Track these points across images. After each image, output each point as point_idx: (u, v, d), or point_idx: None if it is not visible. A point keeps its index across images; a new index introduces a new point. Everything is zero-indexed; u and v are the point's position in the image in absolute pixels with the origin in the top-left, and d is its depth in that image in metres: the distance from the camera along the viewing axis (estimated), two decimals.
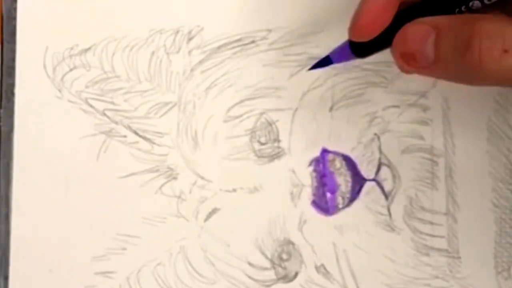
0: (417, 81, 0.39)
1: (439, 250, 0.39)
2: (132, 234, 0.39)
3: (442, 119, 0.40)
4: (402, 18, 0.32)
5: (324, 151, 0.39)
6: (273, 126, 0.39)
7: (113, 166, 0.39)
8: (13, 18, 0.39)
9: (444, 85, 0.38)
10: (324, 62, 0.36)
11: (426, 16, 0.31)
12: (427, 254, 0.40)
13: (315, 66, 0.36)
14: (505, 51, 0.28)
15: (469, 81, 0.31)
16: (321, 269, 0.39)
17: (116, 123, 0.39)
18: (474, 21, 0.29)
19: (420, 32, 0.31)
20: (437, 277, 0.39)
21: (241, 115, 0.39)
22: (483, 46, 0.28)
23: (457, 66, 0.29)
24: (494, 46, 0.28)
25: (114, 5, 0.39)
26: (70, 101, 0.39)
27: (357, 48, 0.34)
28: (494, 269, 0.40)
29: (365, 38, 0.32)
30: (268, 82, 0.39)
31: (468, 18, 0.29)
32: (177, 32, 0.39)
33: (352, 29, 0.32)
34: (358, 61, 0.39)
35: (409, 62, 0.31)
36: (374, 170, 0.40)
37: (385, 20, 0.31)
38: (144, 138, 0.39)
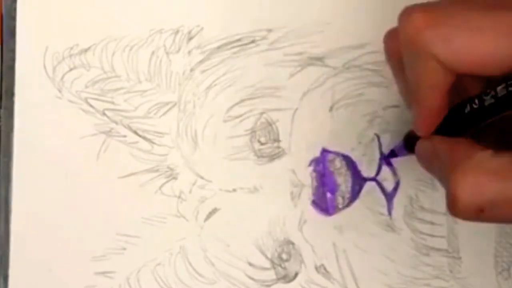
0: None
1: (439, 250, 0.39)
2: (132, 234, 0.39)
3: None
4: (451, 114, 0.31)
5: (324, 151, 0.39)
6: (273, 126, 0.39)
7: (113, 166, 0.39)
8: (13, 18, 0.39)
9: None
10: (391, 155, 0.39)
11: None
12: (427, 254, 0.39)
13: (388, 157, 0.40)
14: (481, 210, 0.28)
15: None
16: (321, 269, 0.39)
17: (116, 123, 0.39)
18: (457, 167, 0.28)
19: (428, 150, 0.31)
20: (437, 277, 0.39)
21: (241, 115, 0.39)
22: (460, 204, 0.28)
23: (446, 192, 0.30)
24: (471, 205, 0.28)
25: (114, 5, 0.39)
26: (70, 101, 0.39)
27: (409, 146, 0.36)
28: (494, 269, 0.40)
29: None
30: (268, 82, 0.39)
31: (454, 160, 0.29)
32: (177, 32, 0.39)
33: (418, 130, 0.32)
34: (358, 61, 0.39)
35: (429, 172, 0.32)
36: (374, 170, 0.40)
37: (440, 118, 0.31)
38: (144, 138, 0.39)
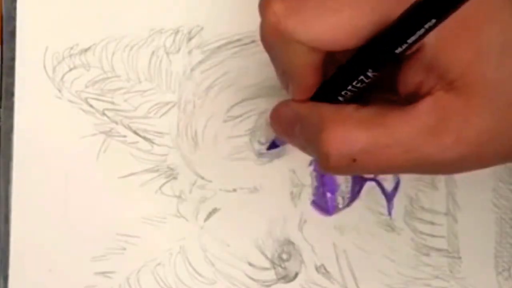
0: None
1: (439, 250, 0.39)
2: (132, 234, 0.39)
3: None
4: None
5: None
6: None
7: (113, 166, 0.39)
8: (13, 18, 0.39)
9: None
10: (273, 145, 0.39)
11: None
12: (427, 254, 0.39)
13: (269, 149, 0.39)
14: (353, 160, 0.28)
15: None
16: (321, 269, 0.39)
17: (116, 123, 0.39)
18: (325, 126, 0.29)
19: (289, 116, 0.32)
20: (437, 277, 0.39)
21: (241, 115, 0.39)
22: (332, 158, 0.29)
23: (315, 157, 0.31)
24: (343, 157, 0.28)
25: (114, 5, 0.39)
26: (70, 101, 0.39)
27: None
28: (495, 269, 0.40)
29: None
30: (268, 82, 0.39)
31: (321, 120, 0.30)
32: (177, 32, 0.39)
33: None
34: None
35: (284, 139, 0.34)
36: None
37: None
38: (144, 138, 0.39)
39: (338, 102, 0.31)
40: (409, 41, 0.27)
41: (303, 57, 0.29)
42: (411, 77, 0.29)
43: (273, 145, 0.39)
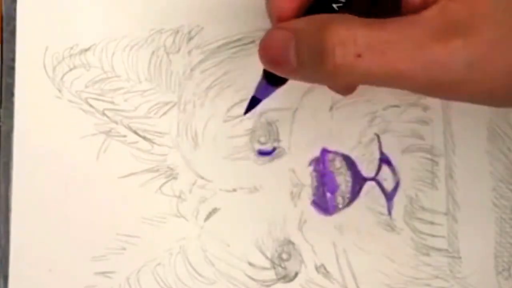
0: None
1: (439, 250, 0.39)
2: (132, 234, 0.39)
3: (442, 118, 0.40)
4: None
5: (324, 151, 0.39)
6: (273, 126, 0.39)
7: (113, 166, 0.39)
8: (13, 18, 0.39)
9: None
10: (253, 102, 0.36)
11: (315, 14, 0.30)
12: (427, 254, 0.39)
13: (248, 110, 0.36)
14: (358, 55, 0.28)
15: (330, 85, 0.32)
16: (321, 269, 0.39)
17: (116, 123, 0.39)
18: (327, 27, 0.28)
19: (281, 38, 0.30)
20: (437, 277, 0.39)
21: (241, 115, 0.39)
22: (337, 53, 0.28)
23: (316, 72, 0.29)
24: (348, 52, 0.28)
25: (114, 5, 0.39)
26: (70, 101, 0.39)
27: (271, 79, 0.34)
28: (495, 269, 0.40)
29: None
30: None
31: (322, 23, 0.29)
32: (177, 32, 0.39)
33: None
34: None
35: (276, 68, 0.31)
36: (374, 170, 0.40)
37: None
38: (144, 138, 0.39)
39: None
40: None
41: None
42: None
43: (253, 102, 0.36)
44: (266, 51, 0.31)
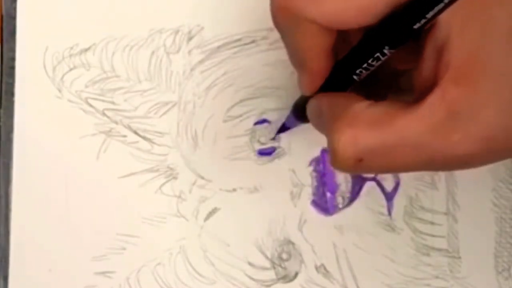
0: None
1: (439, 250, 0.39)
2: (132, 234, 0.39)
3: None
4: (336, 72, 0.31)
5: (324, 151, 0.39)
6: (273, 126, 0.39)
7: (113, 166, 0.39)
8: (13, 18, 0.39)
9: None
10: (282, 129, 0.38)
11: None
12: (427, 254, 0.39)
13: (277, 133, 0.39)
14: (360, 160, 0.28)
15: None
16: (321, 269, 0.39)
17: (116, 123, 0.39)
18: (335, 124, 0.29)
19: (314, 109, 0.32)
20: (437, 277, 0.39)
21: (241, 115, 0.39)
22: (339, 157, 0.28)
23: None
24: (349, 157, 0.28)
25: (114, 5, 0.39)
26: (70, 101, 0.39)
27: (299, 116, 0.35)
28: (495, 269, 0.40)
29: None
30: (268, 82, 0.39)
31: (334, 115, 0.29)
32: (177, 31, 0.39)
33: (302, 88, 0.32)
34: None
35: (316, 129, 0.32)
36: None
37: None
38: (144, 138, 0.39)
39: (353, 83, 0.30)
40: (428, 16, 0.26)
41: (313, 38, 0.29)
42: (425, 64, 0.28)
43: (282, 129, 0.38)
44: (310, 117, 0.32)
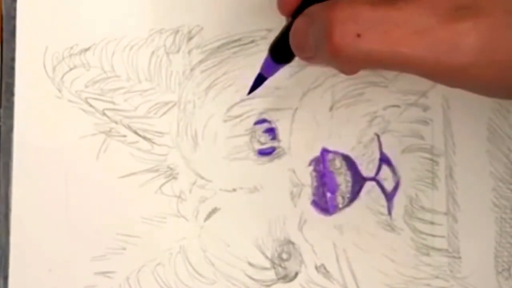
0: (418, 80, 0.39)
1: (439, 250, 0.39)
2: (132, 234, 0.39)
3: (442, 118, 0.40)
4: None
5: (324, 151, 0.39)
6: (273, 126, 0.39)
7: (113, 166, 0.39)
8: (13, 18, 0.39)
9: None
10: (259, 80, 0.36)
11: None
12: (427, 254, 0.39)
13: (253, 88, 0.37)
14: (358, 35, 0.27)
15: (337, 67, 0.31)
16: (321, 269, 0.39)
17: (116, 122, 0.39)
18: (331, 8, 0.28)
19: (303, 23, 0.30)
20: (437, 277, 0.39)
21: (241, 115, 0.39)
22: (335, 32, 0.27)
23: (324, 53, 0.29)
24: (347, 31, 0.27)
25: (114, 5, 0.39)
26: (70, 101, 0.39)
27: (277, 57, 0.35)
28: (495, 269, 0.40)
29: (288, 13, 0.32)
30: (268, 82, 0.39)
31: (328, 5, 0.29)
32: (177, 31, 0.39)
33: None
34: None
35: (299, 54, 0.31)
36: (374, 169, 0.40)
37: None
38: (144, 137, 0.39)
39: None
40: None
41: None
42: None
43: (258, 80, 0.37)
44: (292, 37, 0.31)
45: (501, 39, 0.27)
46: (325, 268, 0.39)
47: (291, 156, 0.39)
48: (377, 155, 0.40)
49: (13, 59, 0.39)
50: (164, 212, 0.39)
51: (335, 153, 0.39)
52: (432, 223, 0.40)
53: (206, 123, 0.39)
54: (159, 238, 0.39)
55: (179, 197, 0.39)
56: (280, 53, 0.34)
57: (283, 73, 0.39)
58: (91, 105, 0.39)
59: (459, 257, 0.39)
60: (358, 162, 0.40)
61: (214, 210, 0.39)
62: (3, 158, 0.39)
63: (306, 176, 0.39)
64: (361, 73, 0.39)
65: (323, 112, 0.39)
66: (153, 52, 0.39)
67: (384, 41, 0.27)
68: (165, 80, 0.39)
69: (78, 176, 0.39)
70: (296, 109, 0.39)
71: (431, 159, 0.40)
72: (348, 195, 0.39)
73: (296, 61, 0.39)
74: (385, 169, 0.40)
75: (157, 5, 0.39)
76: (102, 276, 0.39)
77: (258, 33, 0.39)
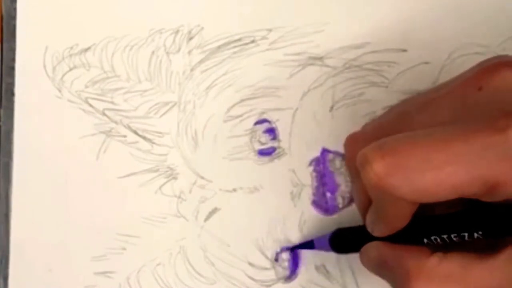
0: (418, 80, 0.39)
1: None
2: (132, 234, 0.39)
3: None
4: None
5: (324, 151, 0.39)
6: (273, 126, 0.39)
7: (113, 166, 0.39)
8: (13, 18, 0.39)
9: None
10: (307, 246, 0.38)
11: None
12: None
13: (298, 247, 0.39)
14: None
15: None
16: (321, 269, 0.39)
17: (116, 122, 0.39)
18: (408, 282, 0.30)
19: (375, 258, 0.33)
20: None
21: (241, 115, 0.39)
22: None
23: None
24: None
25: (114, 5, 0.39)
26: (70, 101, 0.39)
27: (338, 246, 0.36)
28: None
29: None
30: (268, 82, 0.39)
31: (405, 271, 0.31)
32: (177, 31, 0.39)
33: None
34: (359, 61, 0.39)
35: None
36: None
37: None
38: (144, 138, 0.39)
39: (420, 243, 0.31)
40: None
41: (402, 209, 0.30)
42: None
43: (307, 245, 0.39)
44: (364, 262, 0.34)
45: None
46: (325, 268, 0.39)
47: (291, 156, 0.39)
48: None
49: (13, 59, 0.39)
50: (164, 212, 0.39)
51: (335, 153, 0.39)
52: None
53: (206, 123, 0.39)
54: (159, 238, 0.39)
55: (179, 197, 0.39)
56: (344, 247, 0.36)
57: (283, 73, 0.39)
58: (91, 105, 0.39)
59: None
60: None
61: (214, 210, 0.39)
62: (3, 158, 0.39)
63: (306, 176, 0.39)
64: (361, 73, 0.39)
65: (324, 112, 0.39)
66: (153, 52, 0.39)
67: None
68: (165, 80, 0.39)
69: (78, 176, 0.39)
70: (296, 109, 0.39)
71: None
72: (348, 195, 0.39)
73: (297, 60, 0.39)
74: None
75: (157, 5, 0.39)
76: (102, 276, 0.39)
77: (258, 33, 0.39)
